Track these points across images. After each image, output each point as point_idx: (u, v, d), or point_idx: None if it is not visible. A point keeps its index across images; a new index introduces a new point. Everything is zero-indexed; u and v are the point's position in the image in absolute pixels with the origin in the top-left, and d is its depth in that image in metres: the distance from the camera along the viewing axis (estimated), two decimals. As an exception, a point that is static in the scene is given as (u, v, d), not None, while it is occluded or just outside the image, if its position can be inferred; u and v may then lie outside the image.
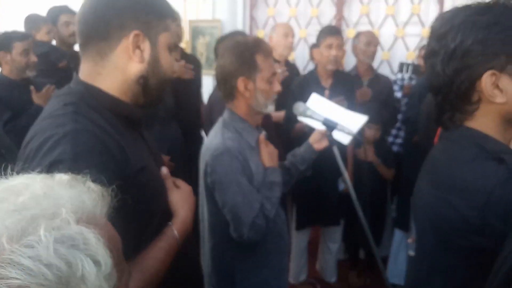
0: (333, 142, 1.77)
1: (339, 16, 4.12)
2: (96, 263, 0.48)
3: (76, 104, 0.99)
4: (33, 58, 2.66)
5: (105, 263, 0.49)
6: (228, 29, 4.27)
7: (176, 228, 1.10)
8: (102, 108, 1.02)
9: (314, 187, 2.79)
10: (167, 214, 1.11)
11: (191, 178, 2.56)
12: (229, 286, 1.68)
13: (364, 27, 3.94)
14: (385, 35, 4.03)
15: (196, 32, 4.38)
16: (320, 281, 3.27)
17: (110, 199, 0.60)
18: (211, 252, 1.70)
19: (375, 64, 3.53)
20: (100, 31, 1.01)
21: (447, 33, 0.93)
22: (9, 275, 0.42)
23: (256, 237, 1.55)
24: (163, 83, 1.11)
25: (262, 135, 1.73)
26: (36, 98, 2.60)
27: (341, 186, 2.92)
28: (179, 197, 1.16)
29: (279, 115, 2.94)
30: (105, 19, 1.00)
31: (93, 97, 1.02)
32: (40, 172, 0.89)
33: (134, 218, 0.95)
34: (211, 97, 2.86)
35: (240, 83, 1.60)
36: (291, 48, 3.35)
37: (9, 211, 0.47)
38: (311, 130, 1.98)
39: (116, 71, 1.03)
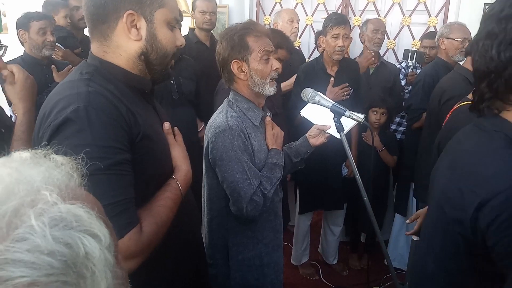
0: (340, 128, 1.83)
1: (346, 3, 4.13)
2: (95, 237, 0.46)
3: (91, 73, 1.09)
4: (50, 38, 2.74)
5: (103, 235, 0.47)
6: (235, 15, 4.29)
7: (179, 181, 1.18)
8: (115, 80, 1.11)
9: (318, 171, 2.84)
10: (169, 178, 1.21)
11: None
12: (224, 258, 1.74)
13: (370, 15, 3.96)
14: (392, 23, 4.05)
15: (203, 17, 4.39)
16: (321, 263, 3.36)
17: (80, 167, 0.56)
18: (208, 225, 1.76)
19: (380, 52, 3.57)
20: (99, 15, 1.09)
21: (509, 18, 0.89)
22: (12, 275, 0.39)
23: (254, 213, 1.60)
24: (164, 58, 1.18)
25: (269, 116, 1.79)
26: (57, 76, 2.71)
27: (345, 171, 2.99)
28: (181, 152, 1.25)
29: (289, 83, 2.99)
30: (102, 3, 1.07)
31: (107, 70, 1.12)
32: (54, 126, 0.96)
33: (141, 174, 1.05)
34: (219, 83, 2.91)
35: (234, 66, 1.66)
36: (296, 34, 3.38)
37: None
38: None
39: (119, 49, 1.12)
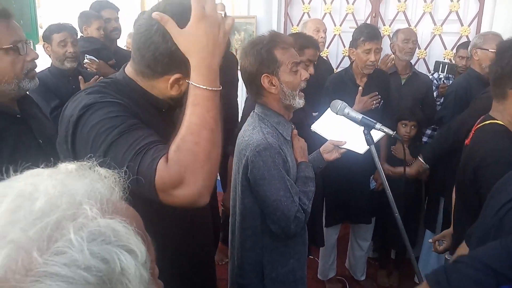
0: (370, 141, 1.78)
1: (375, 13, 4.08)
2: (132, 253, 0.46)
3: (107, 82, 1.14)
4: (70, 49, 2.78)
5: (140, 251, 0.47)
6: (263, 25, 4.30)
7: (193, 80, 1.01)
8: (133, 93, 1.14)
9: (345, 184, 2.79)
10: None
11: (226, 170, 2.63)
12: (258, 277, 1.72)
13: (400, 24, 3.89)
14: (422, 32, 3.97)
15: (231, 28, 4.43)
16: (349, 279, 3.27)
17: (123, 181, 0.57)
18: (242, 246, 1.73)
19: (412, 62, 3.49)
20: (149, 63, 1.09)
21: None
22: None
23: (296, 230, 1.59)
24: None
25: (295, 130, 1.77)
26: (84, 87, 2.73)
27: (373, 184, 2.92)
28: (186, 36, 1.02)
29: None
30: (156, 59, 1.07)
31: (127, 85, 1.15)
32: (72, 123, 1.01)
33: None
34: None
35: (264, 81, 1.64)
36: (323, 43, 3.35)
37: (29, 220, 0.43)
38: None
39: (153, 88, 1.15)
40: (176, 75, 1.08)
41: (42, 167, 0.54)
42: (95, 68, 3.07)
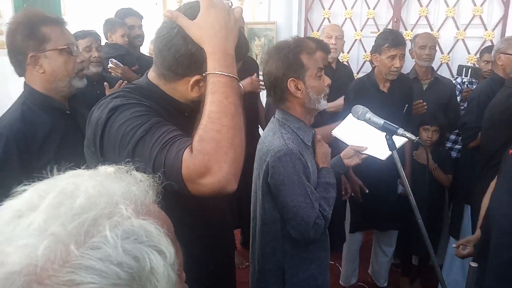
0: (392, 146, 1.77)
1: (396, 17, 4.05)
2: (161, 253, 0.48)
3: (131, 88, 1.17)
4: (95, 54, 2.85)
5: (169, 252, 0.49)
6: (283, 31, 4.32)
7: (210, 68, 1.02)
8: (155, 98, 1.16)
9: (372, 189, 2.74)
10: None
11: (245, 173, 2.64)
12: (279, 283, 1.71)
13: (422, 29, 3.85)
14: (445, 37, 3.92)
15: (251, 34, 4.46)
16: (371, 285, 3.24)
17: (157, 185, 0.59)
18: (262, 251, 1.73)
19: (434, 66, 3.45)
20: (170, 66, 1.12)
21: None
22: (84, 280, 0.42)
23: (316, 236, 1.59)
24: None
25: (319, 135, 1.76)
26: (109, 93, 2.80)
27: (400, 188, 2.88)
28: (201, 22, 1.05)
29: (338, 104, 2.93)
30: (177, 61, 1.10)
31: (150, 90, 1.18)
32: (101, 125, 1.04)
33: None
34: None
35: (291, 85, 1.64)
36: (335, 50, 3.31)
37: (68, 216, 0.46)
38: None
39: (174, 91, 1.17)
40: (196, 77, 1.10)
41: (83, 168, 0.57)
42: (120, 72, 3.14)
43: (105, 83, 2.75)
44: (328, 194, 1.66)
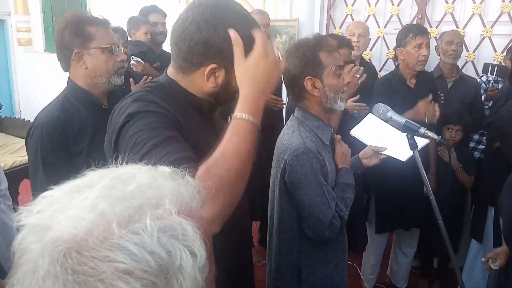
0: (414, 146, 1.75)
1: (421, 14, 3.97)
2: (193, 254, 0.49)
3: (153, 87, 1.19)
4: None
5: (200, 255, 0.50)
6: (305, 28, 4.30)
7: (237, 111, 1.04)
8: (176, 95, 1.18)
9: (397, 189, 2.68)
10: None
11: (266, 172, 2.64)
12: (295, 281, 1.71)
13: (448, 26, 3.77)
14: (471, 34, 3.83)
15: (273, 31, 4.45)
16: (389, 286, 3.21)
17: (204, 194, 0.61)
18: (279, 249, 1.74)
19: (459, 65, 3.38)
20: (186, 56, 1.13)
21: None
22: (116, 259, 0.45)
23: (331, 236, 1.58)
24: (233, 96, 1.19)
25: (338, 135, 1.75)
26: (134, 88, 2.85)
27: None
28: (244, 69, 1.06)
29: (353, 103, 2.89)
30: (192, 50, 1.11)
31: (170, 87, 1.19)
32: (117, 130, 1.07)
33: None
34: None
35: (307, 83, 1.63)
36: (357, 47, 3.27)
37: (118, 198, 0.49)
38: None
39: (192, 84, 1.18)
40: (212, 65, 1.11)
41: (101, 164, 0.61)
42: (141, 69, 3.19)
43: (131, 79, 2.80)
44: (346, 195, 1.65)
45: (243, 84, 1.06)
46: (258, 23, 1.18)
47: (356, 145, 2.01)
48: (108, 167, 0.57)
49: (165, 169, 0.59)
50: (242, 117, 1.02)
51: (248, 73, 1.06)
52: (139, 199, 0.50)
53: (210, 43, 1.08)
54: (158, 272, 0.46)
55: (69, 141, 1.68)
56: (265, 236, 1.89)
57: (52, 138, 1.66)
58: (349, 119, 2.59)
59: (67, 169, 1.60)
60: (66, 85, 1.83)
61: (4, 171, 2.34)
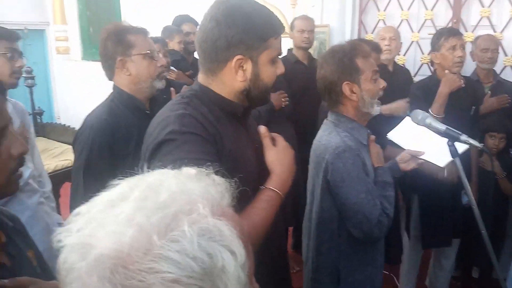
0: (455, 153, 1.70)
1: (456, 18, 3.88)
2: (233, 253, 0.50)
3: (190, 97, 1.22)
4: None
5: (240, 254, 0.50)
6: (336, 34, 4.27)
7: (271, 185, 1.20)
8: (210, 103, 1.21)
9: (441, 200, 2.61)
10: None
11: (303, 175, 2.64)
12: (334, 282, 1.70)
13: (484, 30, 3.66)
14: (509, 38, 3.71)
15: (304, 37, 4.44)
16: (427, 297, 3.12)
17: (233, 190, 0.62)
18: (317, 249, 1.72)
19: (496, 70, 3.28)
20: (211, 55, 1.18)
21: None
22: (162, 269, 0.45)
23: (379, 234, 1.56)
24: (265, 93, 1.25)
25: (372, 136, 1.75)
26: (175, 97, 2.93)
27: (465, 199, 2.74)
28: (275, 156, 1.24)
29: (397, 107, 2.86)
30: (215, 47, 1.16)
31: (204, 95, 1.22)
32: (155, 145, 1.11)
33: None
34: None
35: (346, 88, 1.64)
36: (389, 51, 3.22)
37: (153, 209, 0.49)
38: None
39: (223, 85, 1.21)
40: (237, 56, 1.15)
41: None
42: (174, 77, 3.25)
43: (171, 88, 2.86)
44: (387, 193, 1.63)
45: (274, 166, 1.23)
46: (274, 13, 1.24)
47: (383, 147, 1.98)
48: (135, 174, 0.58)
49: (190, 171, 0.60)
50: (273, 191, 1.19)
51: (279, 158, 1.24)
52: (173, 207, 0.50)
53: (230, 34, 1.13)
54: (203, 276, 0.46)
55: (116, 144, 1.74)
56: (299, 240, 1.88)
57: (99, 140, 1.71)
58: (380, 122, 2.55)
59: (108, 172, 1.65)
60: (102, 92, 1.90)
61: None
